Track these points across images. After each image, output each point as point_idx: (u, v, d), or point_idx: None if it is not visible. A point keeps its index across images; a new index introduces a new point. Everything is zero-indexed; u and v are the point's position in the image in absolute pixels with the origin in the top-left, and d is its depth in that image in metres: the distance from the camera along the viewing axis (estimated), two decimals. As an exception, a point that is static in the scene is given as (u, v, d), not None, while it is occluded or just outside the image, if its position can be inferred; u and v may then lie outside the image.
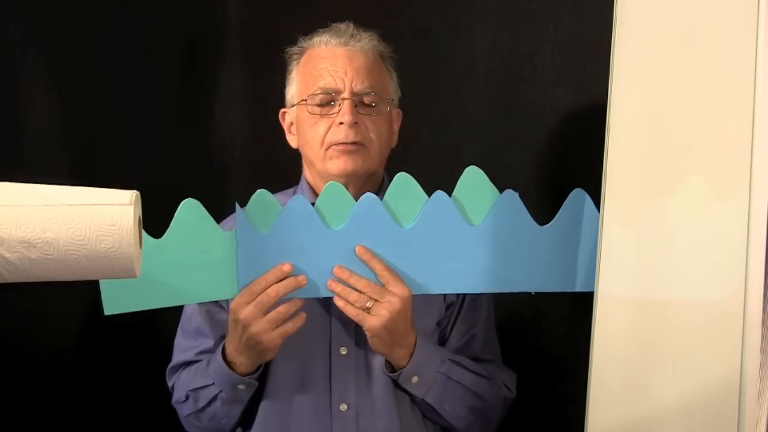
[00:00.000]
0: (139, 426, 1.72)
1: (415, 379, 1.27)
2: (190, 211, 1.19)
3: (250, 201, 1.22)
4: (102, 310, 1.18)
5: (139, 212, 0.89)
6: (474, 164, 1.24)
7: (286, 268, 1.20)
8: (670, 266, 0.95)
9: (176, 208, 1.19)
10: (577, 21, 1.64)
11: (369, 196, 1.22)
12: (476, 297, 1.37)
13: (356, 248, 1.21)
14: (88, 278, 0.86)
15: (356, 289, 1.21)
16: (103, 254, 0.84)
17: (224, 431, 1.33)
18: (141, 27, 1.69)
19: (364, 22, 1.38)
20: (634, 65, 0.98)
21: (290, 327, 1.22)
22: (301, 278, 1.21)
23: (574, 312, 1.63)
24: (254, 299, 1.20)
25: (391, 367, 1.29)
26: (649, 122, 0.98)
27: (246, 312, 1.20)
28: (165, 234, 1.17)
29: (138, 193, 0.88)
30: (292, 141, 1.38)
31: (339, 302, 1.22)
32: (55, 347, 1.71)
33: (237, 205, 1.21)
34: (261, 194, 1.22)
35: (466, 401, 1.29)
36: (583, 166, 1.62)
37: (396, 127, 1.38)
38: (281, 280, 1.21)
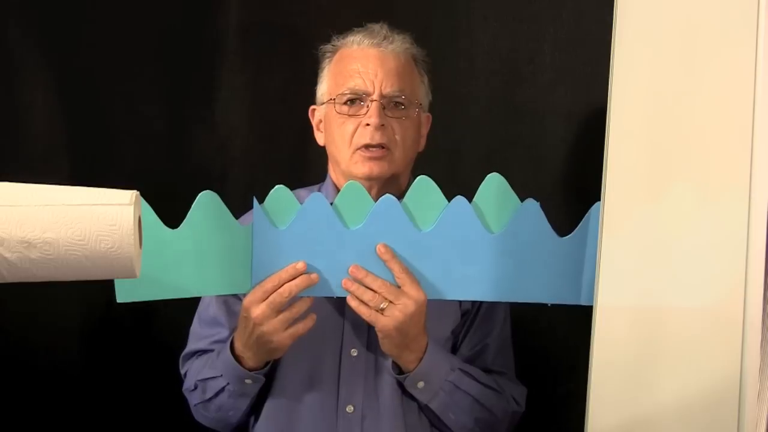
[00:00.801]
0: (139, 424, 1.72)
1: (421, 384, 1.26)
2: (207, 203, 1.19)
3: (268, 196, 1.21)
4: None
5: (139, 212, 0.89)
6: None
7: (300, 266, 1.20)
8: (670, 271, 0.95)
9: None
10: (577, 21, 1.64)
11: (388, 198, 1.22)
12: (492, 308, 1.36)
13: (377, 246, 1.21)
14: (88, 278, 0.86)
15: (371, 289, 1.20)
16: (103, 254, 0.84)
17: (231, 422, 1.33)
18: (141, 27, 1.69)
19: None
20: (634, 65, 0.98)
21: (301, 328, 1.22)
22: (314, 276, 1.20)
23: (574, 313, 1.63)
24: (267, 298, 1.19)
25: (398, 369, 1.28)
26: (649, 122, 0.98)
27: (258, 311, 1.19)
28: (181, 225, 1.17)
29: (138, 193, 0.88)
30: (320, 138, 1.39)
31: (352, 302, 1.21)
32: (55, 346, 1.71)
33: (255, 200, 1.20)
34: (279, 190, 1.22)
35: (473, 412, 1.29)
36: (583, 166, 1.63)
37: (425, 131, 1.39)
38: (294, 279, 1.20)
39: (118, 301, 1.14)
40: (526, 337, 1.48)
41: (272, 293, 1.19)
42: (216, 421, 1.34)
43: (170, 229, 1.16)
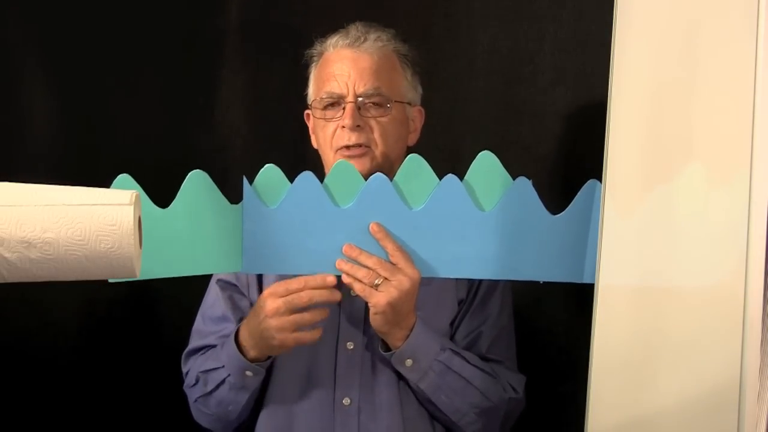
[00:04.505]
0: (139, 423, 1.73)
1: (408, 362, 1.27)
2: (197, 182, 1.19)
3: (258, 175, 1.22)
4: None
5: (139, 212, 0.89)
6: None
7: (330, 279, 1.21)
8: (671, 256, 0.95)
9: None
10: (577, 21, 1.64)
11: (378, 176, 1.22)
12: (487, 297, 1.37)
13: (370, 225, 1.22)
14: (88, 278, 0.86)
15: (366, 267, 1.21)
16: (103, 254, 0.84)
17: (230, 419, 1.34)
18: (141, 27, 1.69)
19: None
20: (634, 65, 0.98)
21: (308, 337, 1.24)
22: (338, 295, 1.23)
23: (573, 310, 1.63)
24: (287, 296, 1.21)
25: (386, 348, 1.29)
26: (649, 122, 0.98)
27: (274, 305, 1.21)
28: (172, 203, 1.17)
29: (138, 193, 0.88)
30: (314, 142, 1.40)
31: (346, 279, 1.22)
32: (55, 344, 1.71)
33: (245, 179, 1.21)
34: (270, 169, 1.22)
35: (466, 396, 1.29)
36: (584, 166, 1.62)
37: (416, 125, 1.40)
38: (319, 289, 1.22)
39: (110, 281, 1.14)
40: (526, 336, 1.48)
41: (294, 294, 1.21)
42: (216, 419, 1.35)
43: (160, 209, 1.16)
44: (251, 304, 1.32)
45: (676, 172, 0.94)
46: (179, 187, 1.19)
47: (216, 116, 1.75)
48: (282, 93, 1.72)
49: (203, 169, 1.20)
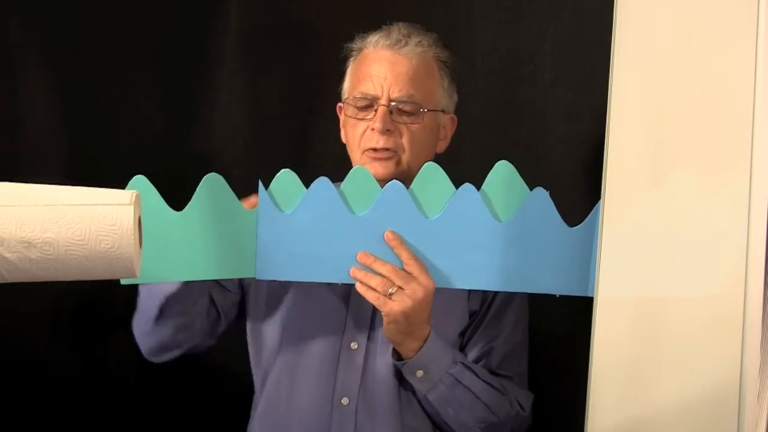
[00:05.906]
0: (140, 423, 1.73)
1: (420, 373, 1.26)
2: (212, 185, 1.18)
3: (274, 180, 1.21)
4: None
5: (139, 212, 0.89)
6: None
7: None
8: (671, 262, 0.95)
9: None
10: (577, 21, 1.64)
11: (395, 184, 1.21)
12: (501, 311, 1.35)
13: (385, 233, 1.20)
14: (87, 278, 0.86)
15: (380, 274, 1.20)
16: (103, 254, 0.84)
17: (147, 330, 1.32)
18: (141, 27, 1.69)
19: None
20: (634, 65, 0.98)
21: None
22: None
23: (573, 312, 1.63)
24: None
25: (398, 357, 1.28)
26: (649, 122, 0.98)
27: None
28: (186, 207, 1.17)
29: (138, 193, 0.88)
30: (343, 137, 1.39)
31: (360, 288, 1.21)
32: (56, 346, 1.71)
33: (260, 184, 1.21)
34: (285, 174, 1.21)
35: (473, 410, 1.28)
36: (583, 167, 1.63)
37: (447, 133, 1.39)
38: None
39: (122, 283, 1.14)
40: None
41: None
42: (144, 333, 1.33)
43: (175, 212, 1.16)
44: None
45: (676, 175, 0.94)
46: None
47: (216, 116, 1.75)
48: (282, 93, 1.72)
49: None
